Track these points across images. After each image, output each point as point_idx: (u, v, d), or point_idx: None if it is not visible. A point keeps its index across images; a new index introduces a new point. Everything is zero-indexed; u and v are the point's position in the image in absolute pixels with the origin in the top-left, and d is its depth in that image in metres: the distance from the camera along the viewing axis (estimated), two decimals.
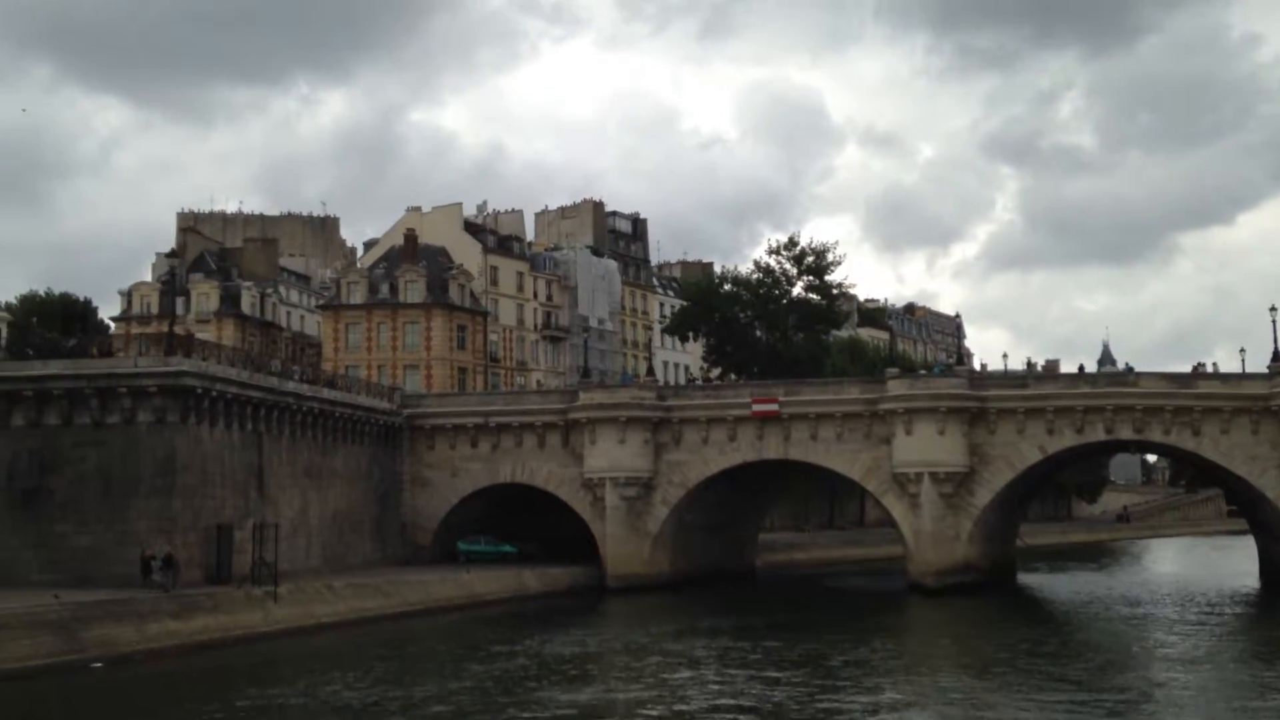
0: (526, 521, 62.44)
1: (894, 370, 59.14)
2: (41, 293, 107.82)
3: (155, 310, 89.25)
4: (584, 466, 58.19)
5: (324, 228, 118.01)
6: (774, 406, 57.39)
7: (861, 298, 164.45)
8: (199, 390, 39.90)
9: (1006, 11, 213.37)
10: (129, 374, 39.13)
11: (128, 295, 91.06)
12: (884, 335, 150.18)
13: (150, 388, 39.03)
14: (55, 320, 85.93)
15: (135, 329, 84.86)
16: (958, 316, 68.44)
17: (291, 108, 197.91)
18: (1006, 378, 61.41)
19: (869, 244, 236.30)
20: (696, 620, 45.51)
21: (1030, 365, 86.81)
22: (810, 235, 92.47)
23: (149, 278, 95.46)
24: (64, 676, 30.44)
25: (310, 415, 48.94)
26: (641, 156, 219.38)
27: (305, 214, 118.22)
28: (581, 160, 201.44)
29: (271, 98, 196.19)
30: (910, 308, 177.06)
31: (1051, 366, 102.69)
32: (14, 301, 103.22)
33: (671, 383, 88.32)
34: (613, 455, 57.33)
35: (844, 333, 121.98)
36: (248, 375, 43.85)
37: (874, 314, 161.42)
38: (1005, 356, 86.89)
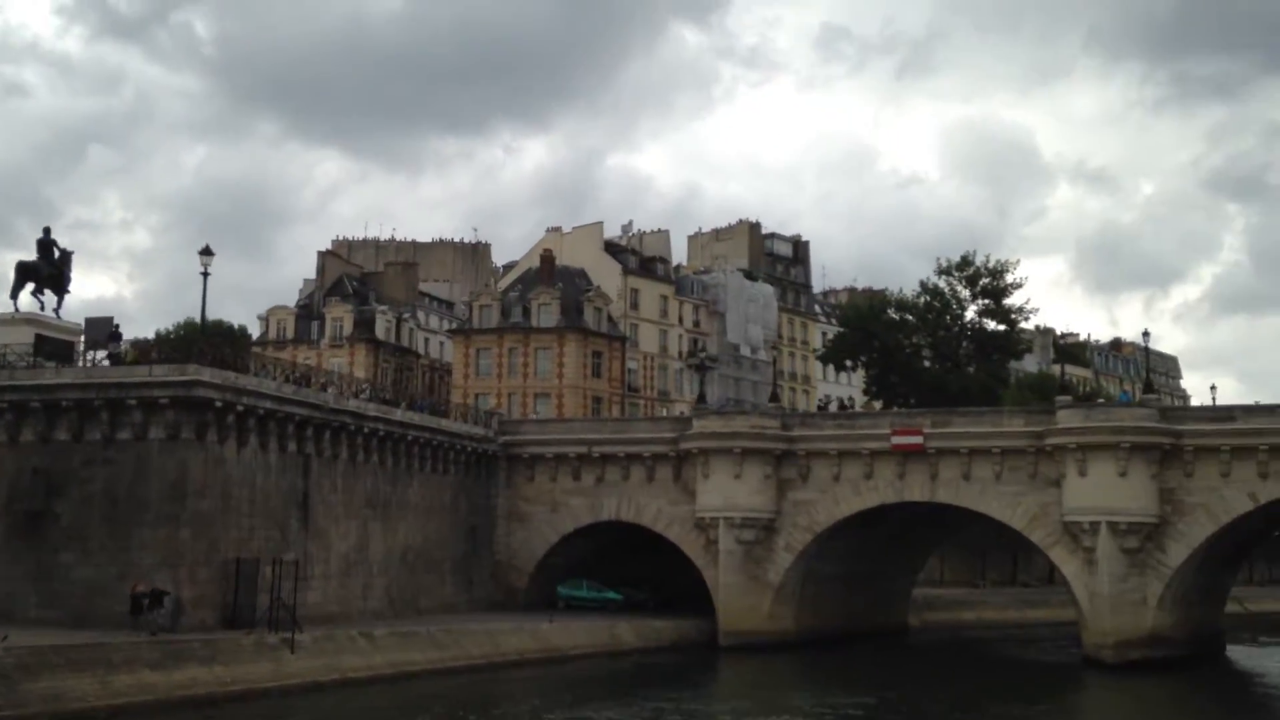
0: (640, 566, 55.64)
1: (1065, 398, 49.56)
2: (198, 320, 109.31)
3: (291, 335, 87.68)
4: (696, 504, 51.07)
5: (475, 254, 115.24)
6: (917, 439, 48.82)
7: (1060, 333, 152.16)
8: (218, 403, 35.04)
9: (1231, 37, 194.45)
10: (138, 383, 34.62)
11: (265, 320, 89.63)
12: (1084, 373, 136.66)
13: (161, 399, 34.43)
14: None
15: (271, 353, 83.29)
16: (1146, 337, 56.72)
17: (496, 156, 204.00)
18: (1207, 410, 50.77)
19: (1080, 286, 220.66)
20: (807, 690, 37.69)
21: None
22: (1017, 275, 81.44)
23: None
24: None
25: (375, 438, 43.71)
26: (838, 197, 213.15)
27: (457, 240, 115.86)
28: (777, 201, 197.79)
29: (477, 147, 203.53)
30: (1117, 344, 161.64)
31: None
32: (170, 329, 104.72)
33: None
34: (727, 492, 49.95)
35: (1034, 368, 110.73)
36: (291, 390, 38.85)
37: (1073, 349, 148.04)
38: (1214, 389, 74.50)
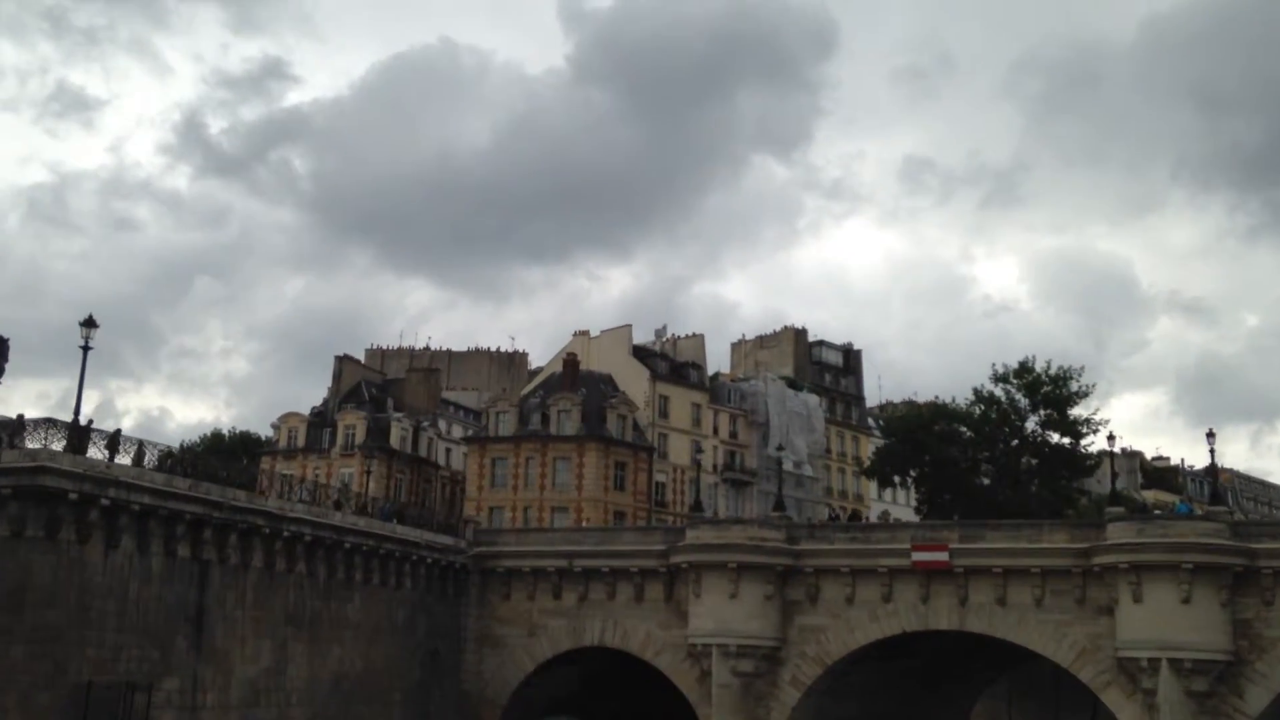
0: (633, 700, 48.60)
1: (1116, 510, 42.07)
2: (225, 432, 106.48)
3: (302, 443, 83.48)
4: (688, 628, 44.22)
5: (512, 363, 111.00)
6: (942, 556, 41.69)
7: (1151, 456, 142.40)
8: (73, 495, 29.88)
9: None
10: None
11: (277, 428, 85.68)
12: (1176, 499, 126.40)
13: (3, 489, 29.40)
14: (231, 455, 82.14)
15: (281, 463, 79.08)
16: (1211, 438, 48.13)
17: (581, 284, 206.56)
18: None
19: (1181, 418, 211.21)
20: None
21: None
22: (1083, 383, 74.40)
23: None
24: None
25: (300, 543, 38.11)
26: (926, 325, 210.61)
27: (493, 349, 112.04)
28: (866, 330, 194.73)
29: (562, 275, 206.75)
30: (1212, 469, 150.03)
31: None
32: (197, 440, 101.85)
33: None
34: (722, 614, 43.05)
35: (1112, 489, 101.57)
36: (186, 484, 33.58)
37: (1164, 474, 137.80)
38: None
